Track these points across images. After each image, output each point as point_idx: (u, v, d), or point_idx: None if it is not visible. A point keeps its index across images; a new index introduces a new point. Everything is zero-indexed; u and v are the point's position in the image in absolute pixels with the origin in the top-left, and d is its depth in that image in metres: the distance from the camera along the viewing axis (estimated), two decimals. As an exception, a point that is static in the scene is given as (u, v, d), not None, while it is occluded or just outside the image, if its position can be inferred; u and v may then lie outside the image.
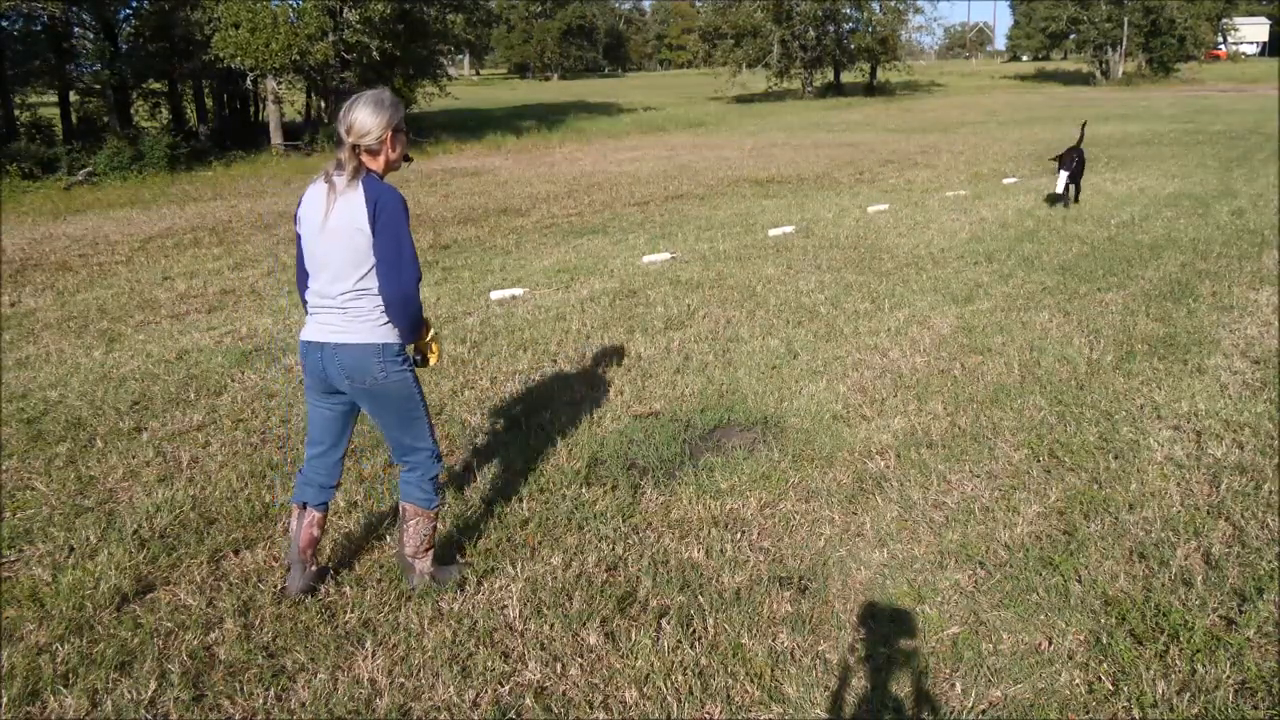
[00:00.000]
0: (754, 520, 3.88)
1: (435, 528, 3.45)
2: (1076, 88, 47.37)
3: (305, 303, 3.25)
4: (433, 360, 3.37)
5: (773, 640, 3.08)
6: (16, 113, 22.30)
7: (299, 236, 3.17)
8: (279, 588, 3.43)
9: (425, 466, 3.35)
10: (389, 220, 3.01)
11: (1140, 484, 4.06)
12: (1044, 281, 7.66)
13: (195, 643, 3.12)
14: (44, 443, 4.87)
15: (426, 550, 3.42)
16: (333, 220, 3.03)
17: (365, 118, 3.01)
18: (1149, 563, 3.44)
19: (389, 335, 3.13)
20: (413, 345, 3.29)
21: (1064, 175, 11.03)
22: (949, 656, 2.98)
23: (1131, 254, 8.54)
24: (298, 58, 21.23)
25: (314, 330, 3.18)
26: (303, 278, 3.24)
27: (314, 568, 3.43)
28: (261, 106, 26.97)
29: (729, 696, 2.83)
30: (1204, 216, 10.39)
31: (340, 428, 3.35)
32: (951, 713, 2.75)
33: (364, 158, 3.06)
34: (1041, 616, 3.16)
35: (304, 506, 3.39)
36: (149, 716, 2.80)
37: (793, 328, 6.56)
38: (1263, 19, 74.01)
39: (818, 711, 2.78)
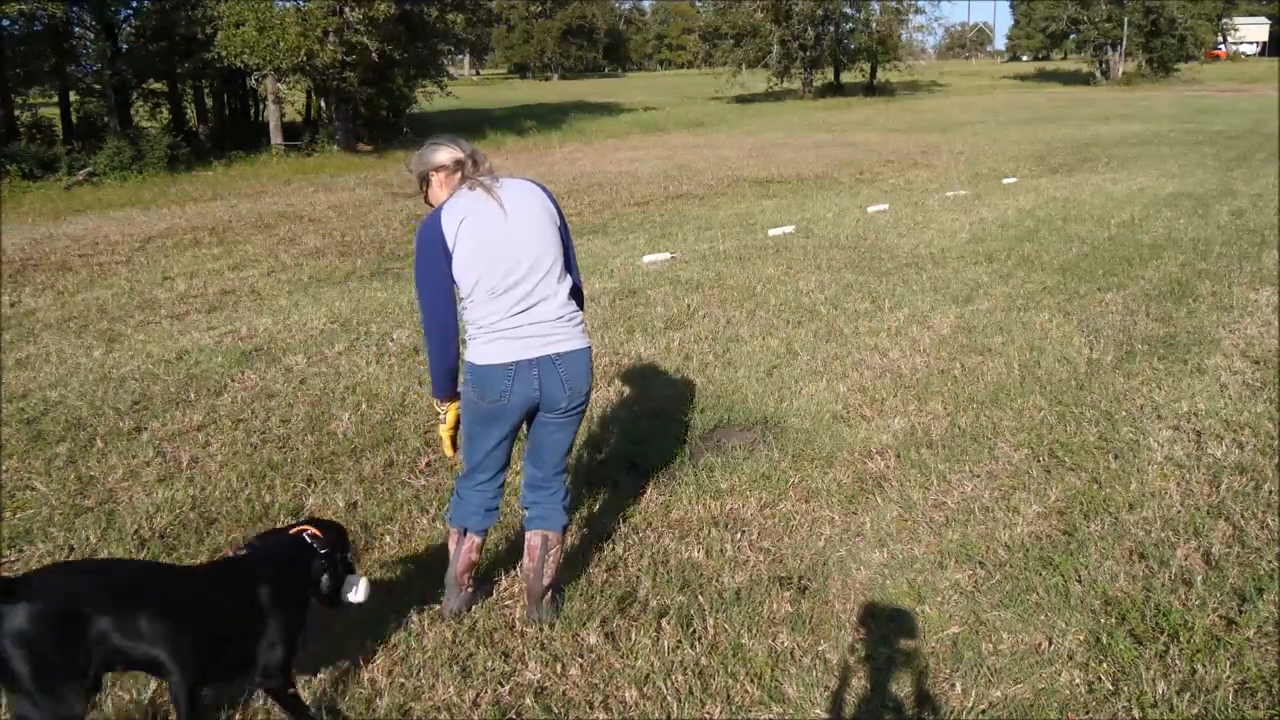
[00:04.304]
0: (754, 520, 3.87)
1: None
2: (1077, 87, 47.38)
3: (468, 326, 2.95)
4: None
5: (773, 640, 3.08)
6: (17, 113, 22.28)
7: (446, 258, 2.86)
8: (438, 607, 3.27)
9: (565, 485, 3.21)
10: (561, 209, 3.03)
11: (1140, 484, 4.06)
12: (1044, 281, 7.66)
13: (195, 643, 3.11)
14: (44, 443, 4.87)
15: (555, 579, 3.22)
16: (526, 211, 2.90)
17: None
18: (1149, 563, 3.44)
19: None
20: None
21: None
22: (949, 656, 2.98)
23: (1131, 254, 8.54)
24: (304, 59, 21.14)
25: (521, 348, 2.88)
26: (448, 307, 2.94)
27: (469, 590, 3.24)
28: (261, 106, 26.94)
29: (729, 696, 2.83)
30: (1204, 216, 10.39)
31: (510, 449, 3.12)
32: (951, 713, 2.74)
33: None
34: (1041, 616, 3.15)
35: (464, 533, 3.16)
36: (149, 716, 2.80)
37: (793, 328, 6.56)
38: (1263, 19, 73.99)
39: (818, 711, 2.78)
